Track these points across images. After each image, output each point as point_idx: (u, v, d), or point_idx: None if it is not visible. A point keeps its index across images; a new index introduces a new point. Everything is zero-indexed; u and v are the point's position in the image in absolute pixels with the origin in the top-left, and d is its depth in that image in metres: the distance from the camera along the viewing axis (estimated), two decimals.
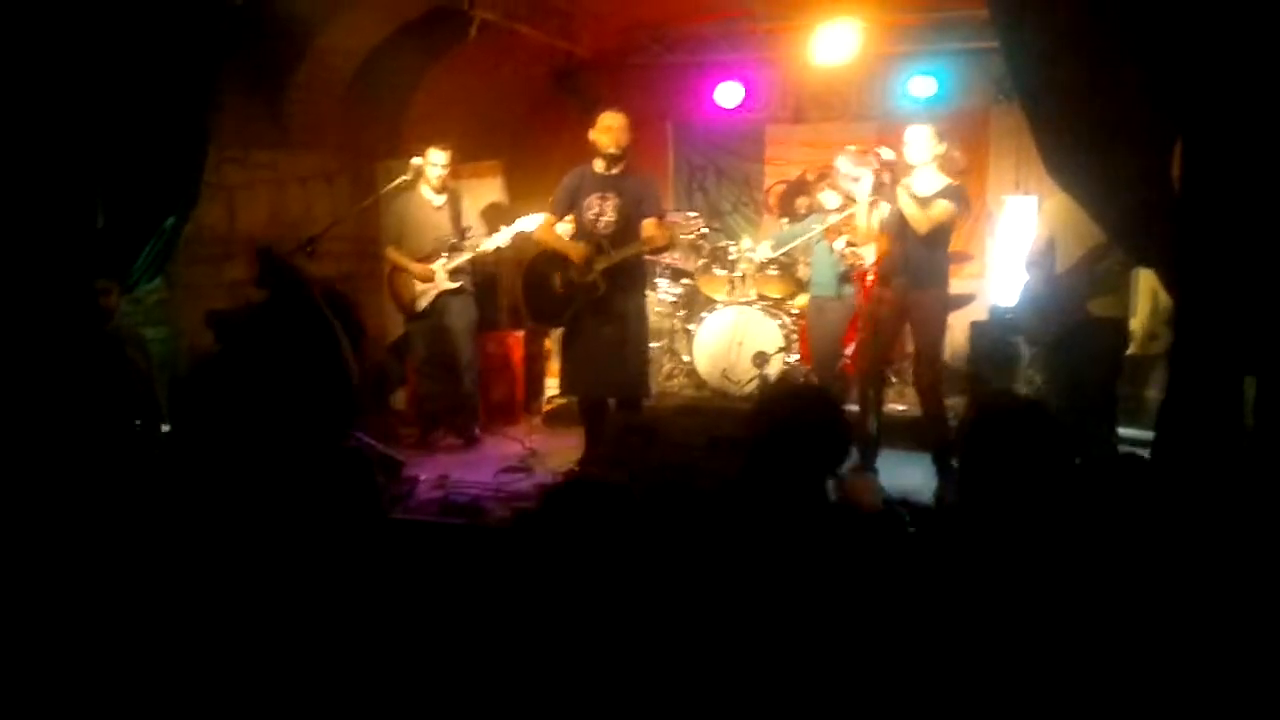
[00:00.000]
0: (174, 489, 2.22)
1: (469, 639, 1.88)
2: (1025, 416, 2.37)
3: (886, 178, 5.34)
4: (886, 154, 5.38)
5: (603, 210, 5.30)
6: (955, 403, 6.02)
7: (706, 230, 5.73)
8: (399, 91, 7.67)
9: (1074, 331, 4.94)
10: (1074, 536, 2.17)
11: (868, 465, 5.55)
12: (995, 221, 8.46)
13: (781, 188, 8.96)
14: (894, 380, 7.39)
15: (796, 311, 7.31)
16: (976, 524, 2.23)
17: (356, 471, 2.29)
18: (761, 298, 7.49)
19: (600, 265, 5.24)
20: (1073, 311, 4.93)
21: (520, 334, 7.35)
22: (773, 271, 7.42)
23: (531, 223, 5.79)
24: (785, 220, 8.00)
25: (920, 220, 5.18)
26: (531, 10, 7.46)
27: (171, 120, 4.37)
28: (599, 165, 5.33)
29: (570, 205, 5.45)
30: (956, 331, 6.82)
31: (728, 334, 7.24)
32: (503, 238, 6.18)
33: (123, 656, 2.00)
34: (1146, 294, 6.42)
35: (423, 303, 6.32)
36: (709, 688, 1.88)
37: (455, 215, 6.37)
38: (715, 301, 7.62)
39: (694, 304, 7.91)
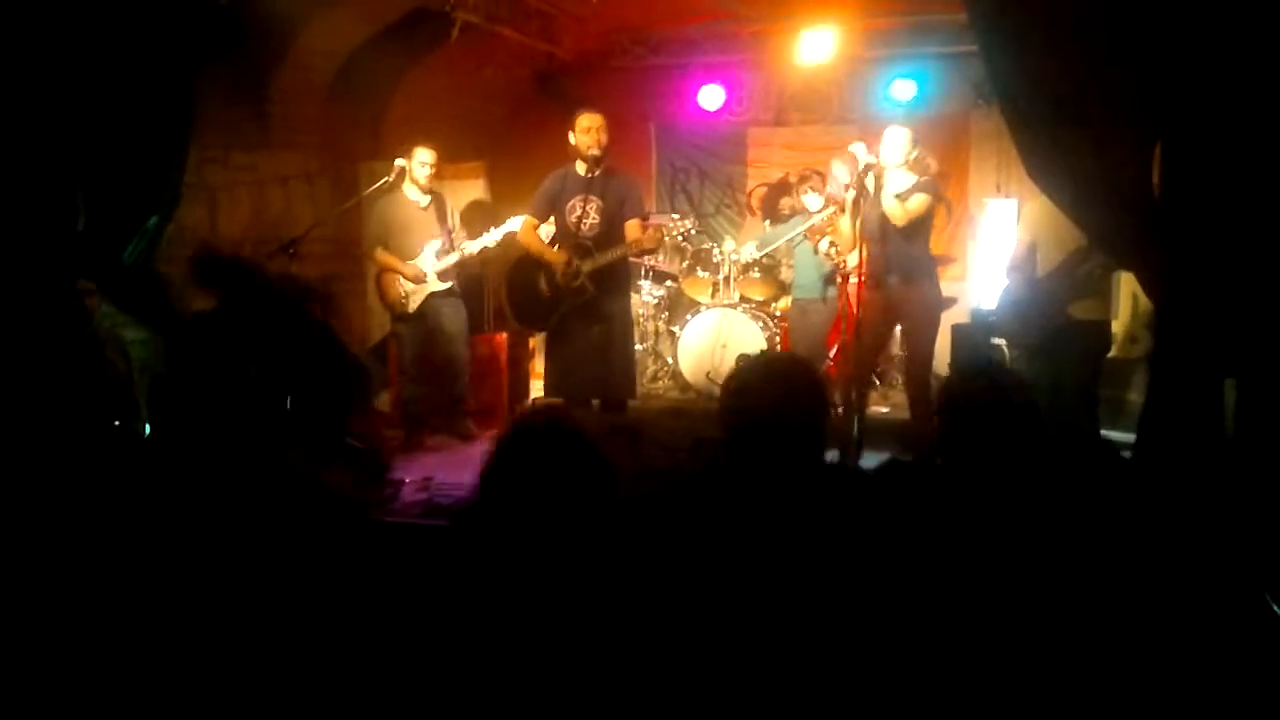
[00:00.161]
0: (154, 490, 2.20)
1: (453, 639, 1.88)
2: (1001, 385, 2.39)
3: (870, 180, 5.36)
4: (864, 154, 5.39)
5: (585, 212, 5.29)
6: None
7: (694, 231, 5.73)
8: (380, 93, 7.65)
9: (1055, 334, 4.96)
10: (1050, 523, 2.18)
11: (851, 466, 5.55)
12: (976, 224, 8.50)
13: (764, 190, 8.99)
14: (878, 383, 7.42)
15: (780, 314, 7.33)
16: (957, 489, 2.25)
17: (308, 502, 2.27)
18: (745, 300, 7.50)
19: (588, 268, 5.24)
20: (1054, 315, 4.95)
21: (504, 336, 7.34)
22: (756, 274, 7.44)
23: (519, 224, 5.78)
24: (768, 222, 8.02)
25: (898, 214, 5.22)
26: (513, 12, 7.45)
27: (153, 120, 4.34)
28: (580, 168, 5.33)
29: (551, 208, 5.45)
30: (938, 335, 6.83)
31: (711, 336, 7.26)
32: (491, 238, 6.17)
33: (103, 658, 1.99)
34: (1128, 297, 6.46)
35: (413, 304, 6.29)
36: (695, 676, 1.88)
37: (441, 216, 6.35)
38: (699, 304, 7.63)
39: (677, 306, 7.92)
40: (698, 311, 7.42)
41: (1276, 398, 3.40)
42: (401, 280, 6.25)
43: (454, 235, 6.35)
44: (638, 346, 7.00)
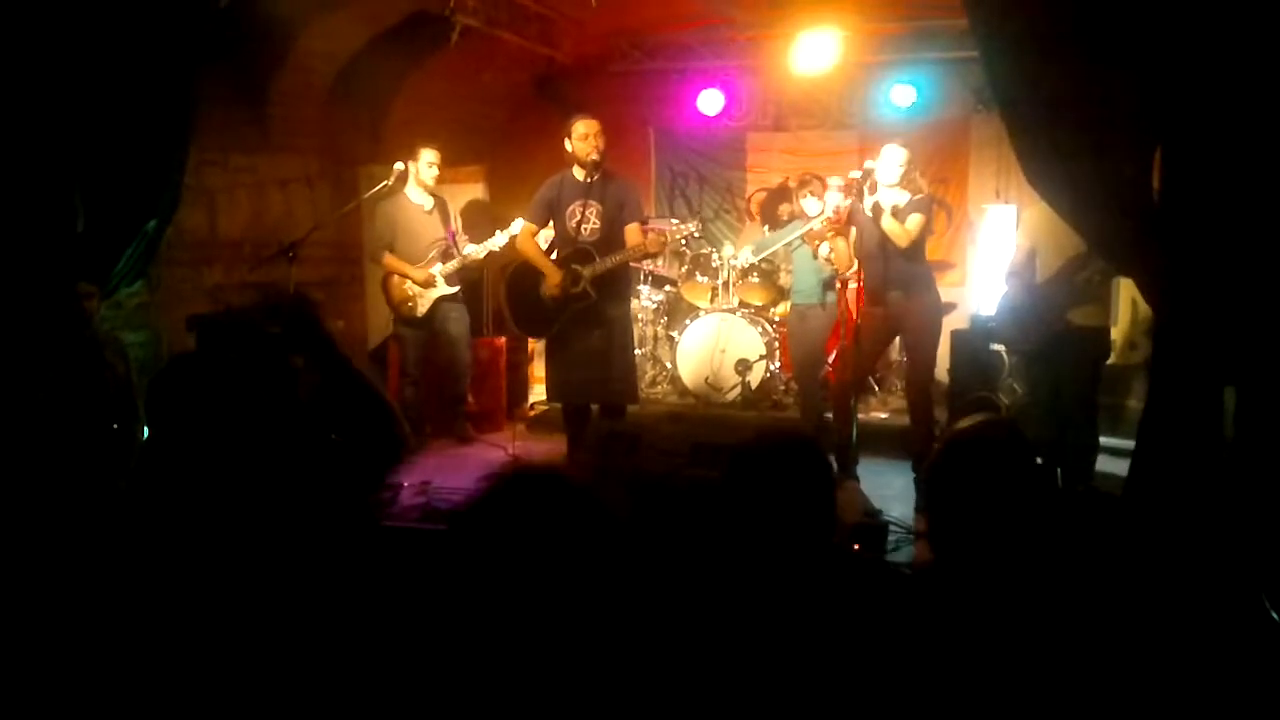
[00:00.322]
0: (154, 492, 2.20)
1: (447, 643, 1.87)
2: (993, 454, 2.29)
3: (869, 198, 5.37)
4: (864, 167, 5.42)
5: (585, 217, 5.28)
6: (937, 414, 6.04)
7: (698, 234, 5.73)
8: (380, 96, 7.66)
9: (1054, 341, 4.96)
10: (1050, 571, 2.15)
11: (848, 473, 5.56)
12: (976, 230, 8.51)
13: (763, 195, 9.00)
14: (877, 389, 7.42)
15: (779, 319, 7.33)
16: (949, 565, 2.21)
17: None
18: (744, 305, 7.50)
19: (590, 273, 5.23)
20: (1053, 321, 4.95)
21: (503, 340, 7.34)
22: (755, 279, 7.44)
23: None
24: (767, 227, 8.02)
25: (900, 235, 5.22)
26: (512, 16, 7.46)
27: (152, 123, 4.34)
28: (578, 173, 5.32)
29: (549, 214, 5.43)
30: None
31: (710, 341, 7.25)
32: (496, 242, 6.17)
33: (102, 660, 1.98)
34: (1127, 303, 6.46)
35: (422, 308, 6.29)
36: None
37: (445, 219, 6.37)
38: (698, 309, 7.63)
39: (676, 311, 7.92)
40: (697, 316, 7.42)
41: (1275, 404, 3.40)
42: (409, 284, 6.25)
43: (457, 238, 6.36)
44: (637, 351, 7.00)
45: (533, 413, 7.46)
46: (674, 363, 7.46)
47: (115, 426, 4.52)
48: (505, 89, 8.80)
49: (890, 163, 5.36)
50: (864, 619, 2.02)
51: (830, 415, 6.11)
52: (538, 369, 7.40)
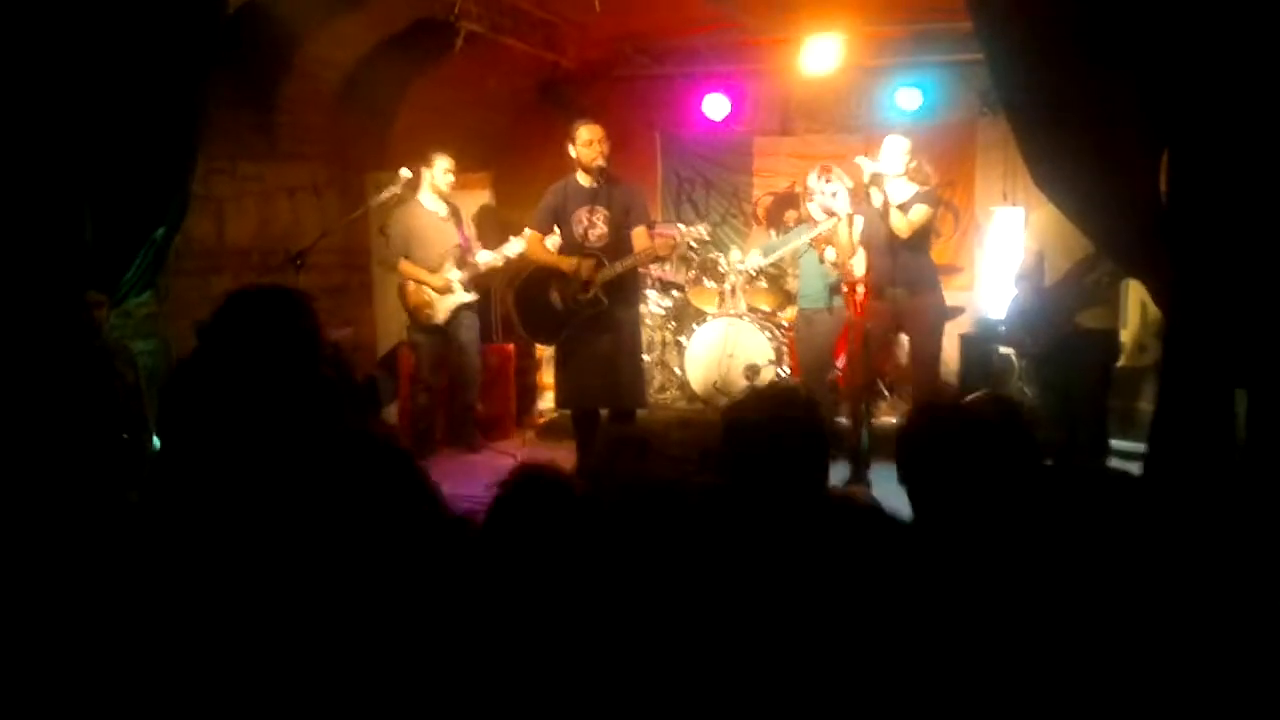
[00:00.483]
0: (166, 500, 2.20)
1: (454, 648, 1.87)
2: (965, 424, 2.33)
3: (876, 194, 5.37)
4: (869, 165, 5.41)
5: (592, 223, 5.28)
6: None
7: (707, 236, 5.73)
8: (386, 103, 7.67)
9: (1063, 344, 4.95)
10: (1042, 546, 2.15)
11: (860, 478, 5.55)
12: (983, 233, 8.49)
13: (770, 199, 9.00)
14: (887, 394, 7.41)
15: (787, 324, 7.32)
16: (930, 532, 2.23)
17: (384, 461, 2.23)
18: (752, 310, 7.50)
19: (601, 278, 5.23)
20: (1062, 324, 4.94)
21: (511, 346, 7.34)
22: (762, 284, 7.44)
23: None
24: (774, 232, 8.02)
25: (902, 226, 5.23)
26: (517, 22, 7.47)
27: (160, 132, 4.35)
28: (582, 179, 5.31)
29: (554, 221, 5.43)
30: (945, 344, 6.83)
31: (718, 346, 7.25)
32: (512, 248, 6.18)
33: (114, 666, 1.99)
34: (1136, 305, 6.44)
35: (440, 315, 6.30)
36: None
37: (459, 226, 6.39)
38: (706, 314, 7.63)
39: (684, 316, 7.92)
40: (704, 321, 7.42)
41: None
42: (427, 290, 6.26)
43: (473, 245, 6.38)
44: (645, 357, 7.00)
45: (542, 420, 7.46)
46: (682, 368, 7.46)
47: (125, 436, 4.52)
48: (510, 95, 8.81)
49: (893, 154, 5.37)
50: (857, 568, 2.03)
51: (840, 420, 6.11)
52: (546, 375, 7.41)
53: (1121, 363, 5.45)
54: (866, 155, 5.48)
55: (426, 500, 2.22)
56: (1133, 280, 5.26)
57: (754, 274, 7.41)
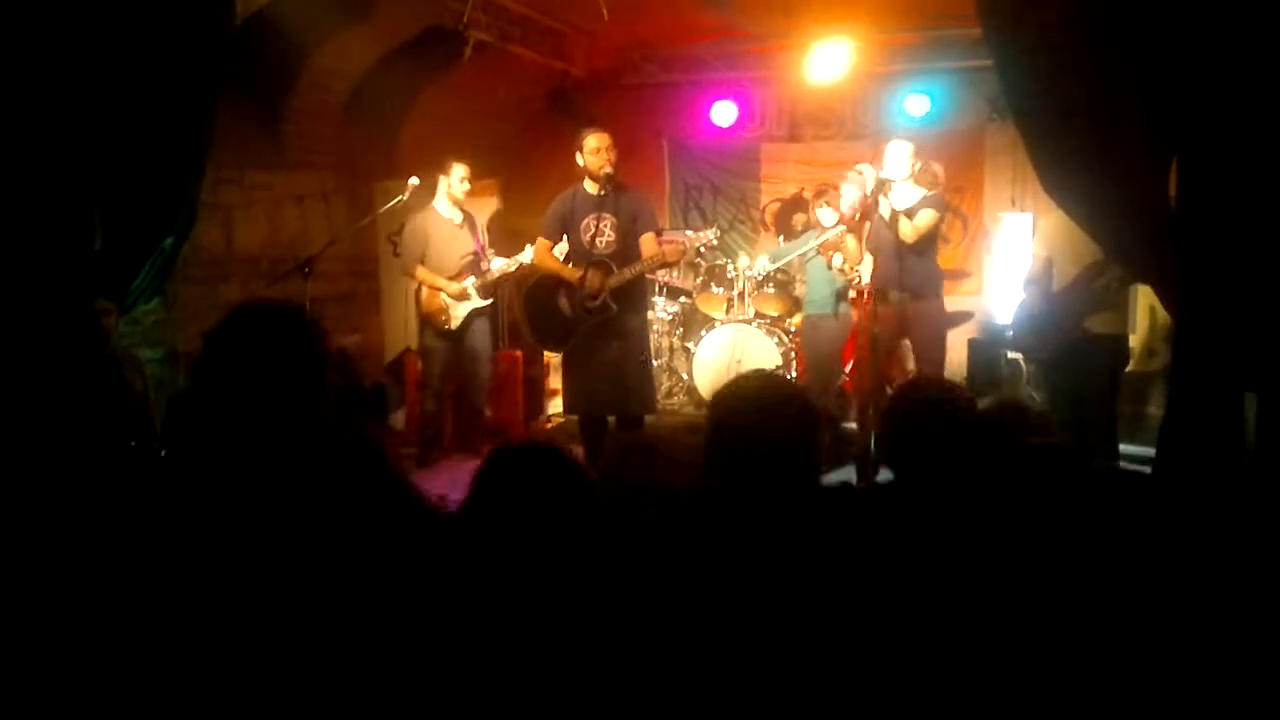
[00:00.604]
0: (172, 508, 2.20)
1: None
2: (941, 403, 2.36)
3: (883, 202, 5.37)
4: (873, 173, 5.41)
5: (600, 230, 5.28)
6: None
7: (715, 241, 5.73)
8: (395, 112, 7.69)
9: (1072, 349, 4.93)
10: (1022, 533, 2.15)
11: (869, 481, 5.53)
12: (991, 239, 8.48)
13: (777, 206, 9.01)
14: None
15: (795, 329, 7.32)
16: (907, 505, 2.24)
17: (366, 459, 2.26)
18: (759, 316, 7.50)
19: (611, 285, 5.23)
20: (1070, 329, 4.92)
21: (519, 352, 7.35)
22: (770, 289, 7.44)
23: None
24: (782, 238, 8.01)
25: (908, 231, 5.23)
26: (525, 31, 7.49)
27: (169, 141, 4.36)
28: (590, 186, 5.31)
29: (563, 229, 5.44)
30: (954, 349, 6.82)
31: (726, 352, 7.25)
32: (526, 256, 6.20)
33: (120, 674, 1.99)
34: (1145, 310, 6.43)
35: (455, 321, 6.32)
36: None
37: (474, 233, 6.41)
38: (713, 320, 7.63)
39: (692, 322, 7.92)
40: (712, 327, 7.42)
41: None
42: (443, 297, 6.28)
43: (486, 252, 6.40)
44: (654, 362, 7.00)
45: (549, 425, 7.46)
46: (690, 374, 7.46)
47: (132, 444, 4.53)
48: (519, 103, 8.83)
49: (898, 158, 5.37)
50: (844, 548, 2.04)
51: (849, 424, 6.10)
52: (553, 382, 7.41)
53: (1130, 368, 5.43)
54: (872, 164, 5.48)
55: (399, 495, 2.23)
56: (1142, 285, 5.25)
57: (761, 280, 7.40)
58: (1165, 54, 3.43)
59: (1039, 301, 5.15)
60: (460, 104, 7.93)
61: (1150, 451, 4.02)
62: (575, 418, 5.84)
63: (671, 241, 5.60)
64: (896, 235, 5.27)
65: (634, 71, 8.96)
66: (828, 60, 7.87)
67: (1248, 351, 3.45)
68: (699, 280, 7.85)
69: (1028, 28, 3.74)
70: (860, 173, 5.46)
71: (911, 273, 5.35)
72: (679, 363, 7.83)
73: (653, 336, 7.22)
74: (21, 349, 3.61)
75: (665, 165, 9.46)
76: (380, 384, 7.61)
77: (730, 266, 7.70)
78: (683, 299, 7.98)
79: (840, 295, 6.24)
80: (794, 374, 7.21)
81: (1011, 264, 7.70)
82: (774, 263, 7.19)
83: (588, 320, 5.29)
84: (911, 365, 7.17)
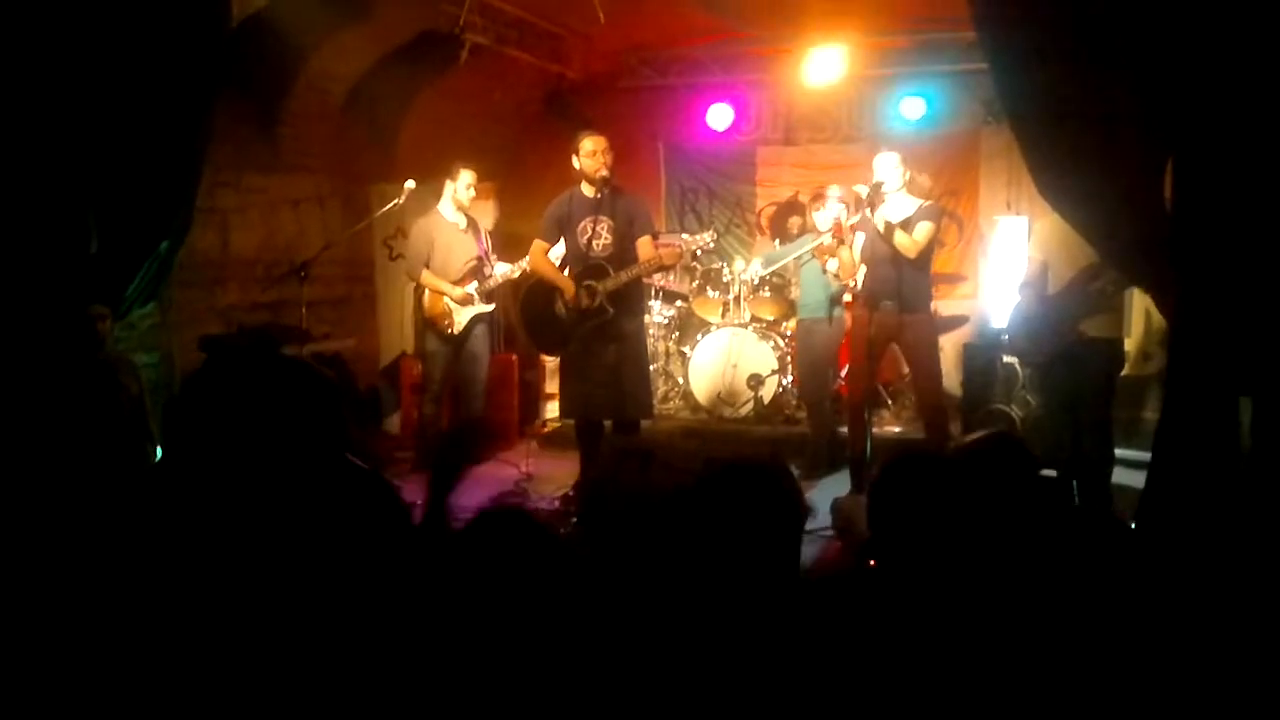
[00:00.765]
0: (169, 514, 2.20)
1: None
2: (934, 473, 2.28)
3: (878, 215, 5.37)
4: (862, 190, 5.43)
5: (597, 233, 5.28)
6: (953, 428, 6.02)
7: (712, 244, 5.73)
8: (391, 115, 7.69)
9: (1067, 352, 4.94)
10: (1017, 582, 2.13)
11: (861, 488, 5.54)
12: (987, 242, 8.48)
13: (773, 209, 9.01)
14: (889, 403, 7.41)
15: (790, 333, 7.32)
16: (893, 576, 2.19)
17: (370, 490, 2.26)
18: (755, 320, 7.50)
19: (606, 288, 5.23)
20: (1066, 332, 4.92)
21: (515, 357, 7.35)
22: (766, 293, 7.44)
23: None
24: (777, 241, 8.02)
25: (909, 246, 5.23)
26: (522, 34, 7.49)
27: (165, 145, 4.36)
28: (587, 189, 5.31)
29: (560, 231, 5.44)
30: (949, 354, 6.82)
31: (722, 356, 7.25)
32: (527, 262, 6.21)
33: (120, 678, 1.99)
34: (1140, 314, 6.44)
35: (458, 325, 6.33)
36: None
37: (477, 238, 6.42)
38: (709, 324, 7.63)
39: (688, 326, 7.93)
40: (708, 331, 7.42)
41: None
42: (447, 301, 6.28)
43: (490, 257, 6.41)
44: (650, 366, 7.00)
45: (545, 429, 7.46)
46: (686, 378, 7.46)
47: (129, 447, 4.53)
48: (515, 106, 8.83)
49: (887, 170, 5.37)
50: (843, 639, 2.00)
51: (843, 430, 6.10)
52: (550, 386, 7.41)
53: (1126, 371, 5.43)
54: (864, 186, 5.48)
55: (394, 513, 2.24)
56: (1137, 289, 5.27)
57: (757, 284, 7.41)
58: (1160, 57, 3.45)
59: (1034, 305, 5.15)
60: (457, 107, 7.93)
61: (1146, 455, 4.02)
62: (571, 422, 5.84)
63: (668, 245, 5.60)
64: (893, 248, 5.27)
65: (630, 75, 8.96)
66: (823, 64, 7.87)
67: (1242, 355, 3.46)
68: (695, 284, 7.85)
69: (1022, 31, 3.75)
70: (856, 193, 5.48)
71: (908, 284, 5.35)
72: (675, 367, 7.83)
73: (649, 340, 7.22)
74: (17, 353, 3.61)
75: (661, 168, 9.45)
76: (375, 388, 7.61)
77: (726, 270, 7.70)
78: (678, 303, 7.98)
79: (835, 300, 6.24)
80: (790, 378, 7.22)
81: (1007, 268, 7.70)
82: (767, 267, 7.19)
83: (584, 324, 5.29)
84: (906, 370, 7.20)
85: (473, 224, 6.45)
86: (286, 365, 2.47)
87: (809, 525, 2.21)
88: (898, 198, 5.40)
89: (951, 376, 7.39)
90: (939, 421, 5.47)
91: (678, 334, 7.91)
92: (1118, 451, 5.09)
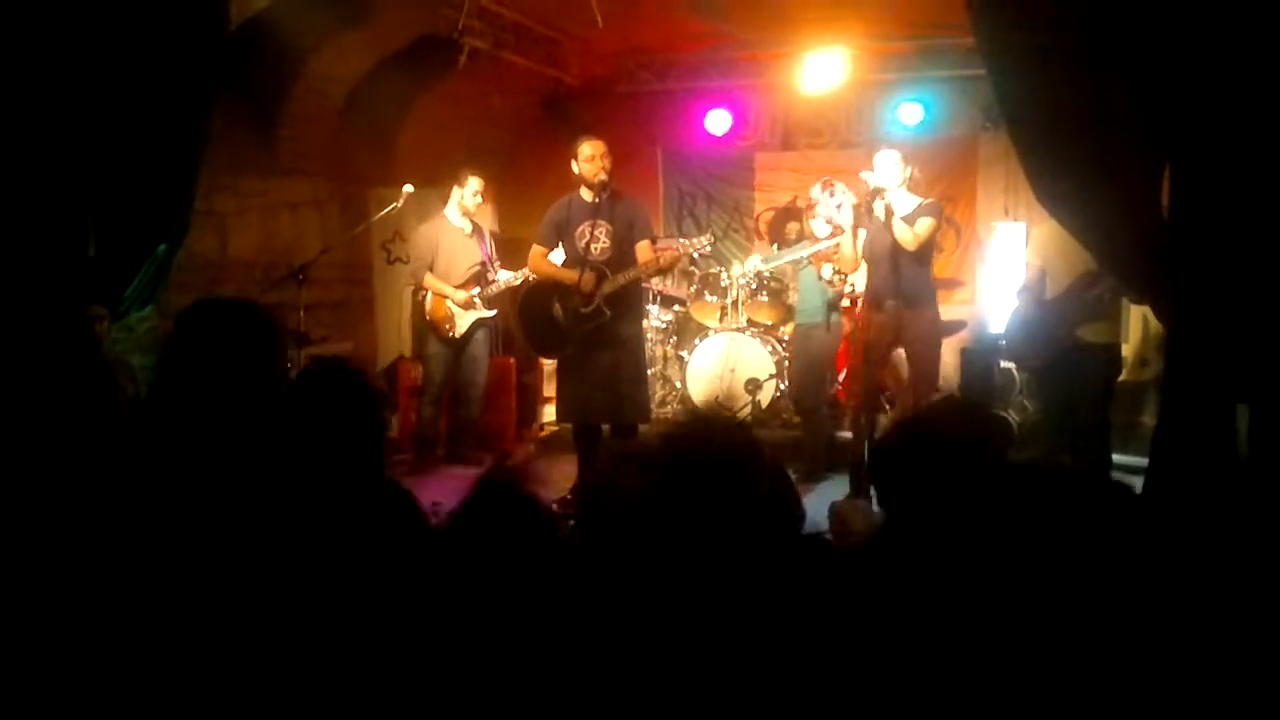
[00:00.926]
0: (165, 510, 2.20)
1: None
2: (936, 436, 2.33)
3: (878, 203, 5.37)
4: (871, 178, 5.41)
5: (595, 237, 5.29)
6: None
7: (709, 247, 5.73)
8: (389, 119, 7.69)
9: (1065, 358, 4.95)
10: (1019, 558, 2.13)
11: (861, 491, 5.53)
12: (984, 248, 8.50)
13: (771, 214, 9.01)
14: (888, 407, 7.40)
15: (788, 338, 7.33)
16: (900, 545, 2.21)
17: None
18: (753, 324, 7.51)
19: (604, 291, 5.23)
20: (1063, 338, 4.93)
21: (513, 360, 7.35)
22: (764, 298, 7.45)
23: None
24: (775, 246, 8.02)
25: (909, 239, 5.23)
26: (520, 38, 7.50)
27: (164, 147, 4.36)
28: (585, 194, 5.32)
29: (559, 236, 5.44)
30: (947, 358, 6.82)
31: (720, 361, 7.26)
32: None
33: (115, 675, 1.99)
34: (1138, 320, 6.44)
35: (460, 330, 6.35)
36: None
37: (482, 243, 6.44)
38: (707, 328, 7.63)
39: (685, 331, 7.93)
40: (706, 336, 7.43)
41: None
42: (449, 304, 6.30)
43: (494, 263, 6.42)
44: (648, 370, 7.01)
45: (543, 432, 7.45)
46: (684, 382, 7.46)
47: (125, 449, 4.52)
48: (513, 111, 8.83)
49: (888, 167, 5.37)
50: (824, 602, 2.00)
51: (840, 435, 6.10)
52: (548, 389, 7.41)
53: (1123, 377, 5.44)
54: (870, 173, 5.49)
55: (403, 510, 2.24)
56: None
57: (755, 288, 7.41)
58: (1158, 63, 3.45)
59: (1032, 310, 5.16)
60: (455, 111, 7.93)
61: (1143, 461, 4.02)
62: (569, 425, 5.83)
63: (666, 249, 5.61)
64: (895, 242, 5.27)
65: (628, 79, 8.96)
66: (822, 69, 7.89)
67: (1240, 362, 3.46)
68: (693, 289, 7.85)
69: (1020, 36, 3.76)
70: (864, 180, 5.47)
71: (908, 281, 5.35)
72: (673, 371, 7.83)
73: (646, 345, 7.22)
74: (14, 354, 3.60)
75: (659, 173, 9.45)
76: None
77: (724, 275, 7.71)
78: (676, 307, 7.98)
79: (832, 305, 6.25)
80: (788, 382, 7.22)
81: (1004, 273, 7.72)
82: (765, 264, 7.20)
83: (582, 327, 5.29)
84: (905, 374, 7.20)
85: (478, 230, 6.48)
86: (343, 377, 2.48)
87: (805, 529, 2.21)
88: (900, 195, 5.40)
89: (949, 381, 7.40)
90: None
91: (675, 338, 7.91)
92: (1115, 457, 5.10)
